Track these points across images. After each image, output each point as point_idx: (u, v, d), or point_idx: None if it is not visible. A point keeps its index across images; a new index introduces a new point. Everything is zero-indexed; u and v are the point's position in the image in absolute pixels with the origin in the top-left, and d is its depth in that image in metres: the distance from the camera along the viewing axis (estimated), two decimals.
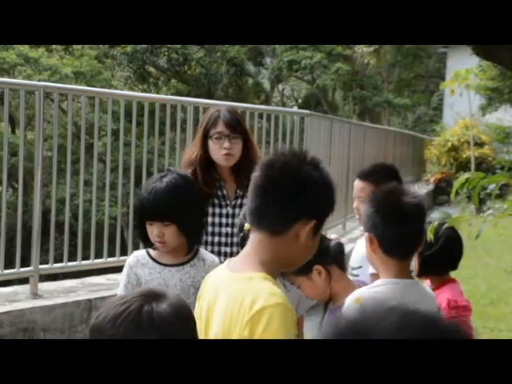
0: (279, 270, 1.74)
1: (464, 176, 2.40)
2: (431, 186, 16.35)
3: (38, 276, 4.47)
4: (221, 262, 3.06)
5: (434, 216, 2.39)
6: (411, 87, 27.91)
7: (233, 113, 3.11)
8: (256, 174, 1.68)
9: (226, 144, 3.01)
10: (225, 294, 1.67)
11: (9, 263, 4.44)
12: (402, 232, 2.19)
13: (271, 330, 1.55)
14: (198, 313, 1.79)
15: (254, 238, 1.69)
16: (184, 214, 2.40)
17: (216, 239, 3.12)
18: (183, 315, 1.29)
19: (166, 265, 2.55)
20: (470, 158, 15.50)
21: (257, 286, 1.62)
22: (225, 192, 3.10)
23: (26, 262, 4.48)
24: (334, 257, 2.44)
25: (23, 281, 4.60)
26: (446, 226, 2.57)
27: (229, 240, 3.08)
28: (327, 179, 1.68)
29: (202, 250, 2.66)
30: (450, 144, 17.00)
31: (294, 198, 1.62)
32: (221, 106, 3.31)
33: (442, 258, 2.79)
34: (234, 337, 1.61)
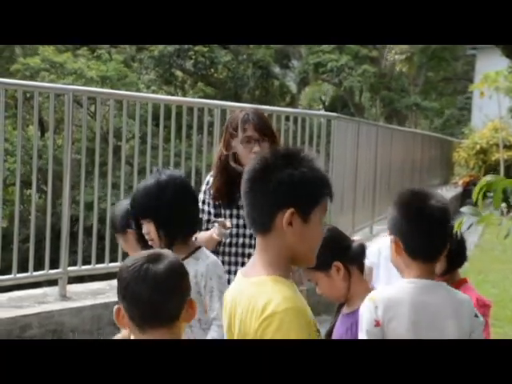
0: (289, 267, 1.76)
1: (485, 179, 2.35)
2: (459, 189, 16.19)
3: (66, 278, 4.52)
4: (243, 264, 3.07)
5: (463, 210, 2.35)
6: (439, 90, 27.66)
7: (261, 116, 3.13)
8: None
9: (256, 148, 3.03)
10: (241, 300, 1.71)
11: (38, 265, 4.49)
12: (426, 235, 2.18)
13: (281, 335, 1.57)
14: (225, 324, 1.82)
15: (257, 243, 1.77)
16: (157, 210, 2.54)
17: (240, 240, 3.15)
18: (175, 272, 1.77)
19: None
20: (499, 160, 15.31)
21: (268, 289, 1.65)
22: None
23: (54, 264, 4.53)
24: (354, 257, 2.42)
25: (52, 282, 4.65)
26: (474, 223, 2.53)
27: (253, 242, 3.07)
28: (299, 167, 1.72)
29: (204, 249, 2.69)
30: (478, 147, 16.81)
31: (264, 194, 1.69)
32: (247, 108, 3.30)
33: (454, 252, 2.74)
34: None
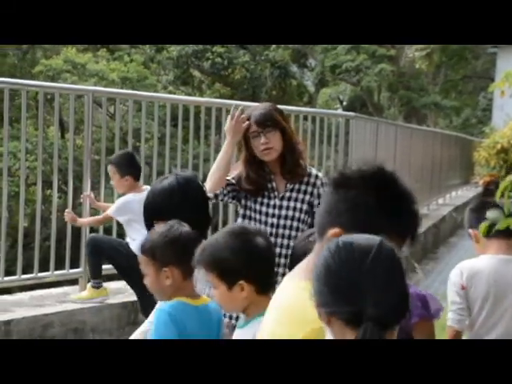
0: None
1: (510, 178, 2.34)
2: (480, 189, 16.06)
3: (86, 277, 4.55)
4: None
5: (488, 214, 2.45)
6: (458, 89, 27.46)
7: (262, 108, 3.19)
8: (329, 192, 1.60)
9: (263, 139, 3.11)
10: (289, 299, 1.57)
11: (58, 264, 4.53)
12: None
13: None
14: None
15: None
16: (173, 214, 2.46)
17: (262, 228, 3.14)
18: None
19: None
20: None
21: None
22: (274, 184, 3.17)
23: (74, 263, 4.56)
24: None
25: (73, 282, 4.69)
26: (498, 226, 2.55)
27: (274, 230, 3.10)
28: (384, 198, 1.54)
29: None
30: (499, 146, 16.63)
31: (336, 203, 1.55)
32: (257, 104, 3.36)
33: None
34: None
